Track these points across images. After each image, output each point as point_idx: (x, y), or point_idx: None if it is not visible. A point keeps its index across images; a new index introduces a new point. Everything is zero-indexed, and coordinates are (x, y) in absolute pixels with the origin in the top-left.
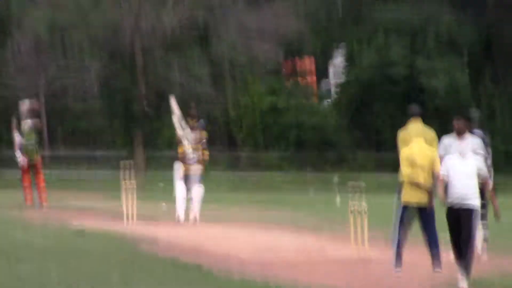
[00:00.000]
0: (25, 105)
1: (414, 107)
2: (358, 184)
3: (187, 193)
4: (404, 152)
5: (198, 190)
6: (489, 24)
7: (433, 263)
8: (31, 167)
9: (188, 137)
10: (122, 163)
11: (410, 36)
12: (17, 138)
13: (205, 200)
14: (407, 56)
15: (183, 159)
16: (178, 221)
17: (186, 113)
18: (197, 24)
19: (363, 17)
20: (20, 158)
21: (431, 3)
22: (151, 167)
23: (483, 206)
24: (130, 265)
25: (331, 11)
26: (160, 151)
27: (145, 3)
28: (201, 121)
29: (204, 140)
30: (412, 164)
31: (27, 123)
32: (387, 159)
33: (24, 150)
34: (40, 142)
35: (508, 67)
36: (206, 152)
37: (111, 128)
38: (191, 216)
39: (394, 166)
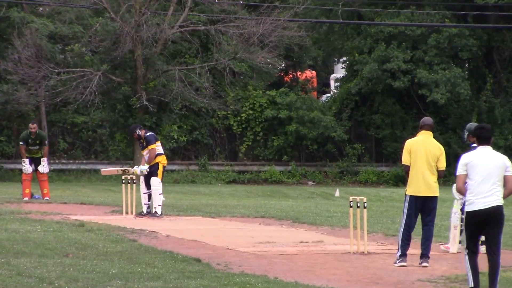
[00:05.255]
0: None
1: (427, 119)
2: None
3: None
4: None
5: (153, 183)
6: (490, 34)
7: (422, 257)
8: (34, 162)
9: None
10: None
11: (411, 47)
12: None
13: (204, 193)
14: (408, 66)
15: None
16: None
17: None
18: (198, 33)
19: (363, 28)
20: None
21: (432, 13)
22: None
23: None
24: (129, 258)
25: (332, 22)
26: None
27: (145, 11)
28: (148, 135)
29: (149, 154)
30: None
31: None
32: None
33: (28, 152)
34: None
35: (510, 77)
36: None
37: (113, 140)
38: (146, 210)
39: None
